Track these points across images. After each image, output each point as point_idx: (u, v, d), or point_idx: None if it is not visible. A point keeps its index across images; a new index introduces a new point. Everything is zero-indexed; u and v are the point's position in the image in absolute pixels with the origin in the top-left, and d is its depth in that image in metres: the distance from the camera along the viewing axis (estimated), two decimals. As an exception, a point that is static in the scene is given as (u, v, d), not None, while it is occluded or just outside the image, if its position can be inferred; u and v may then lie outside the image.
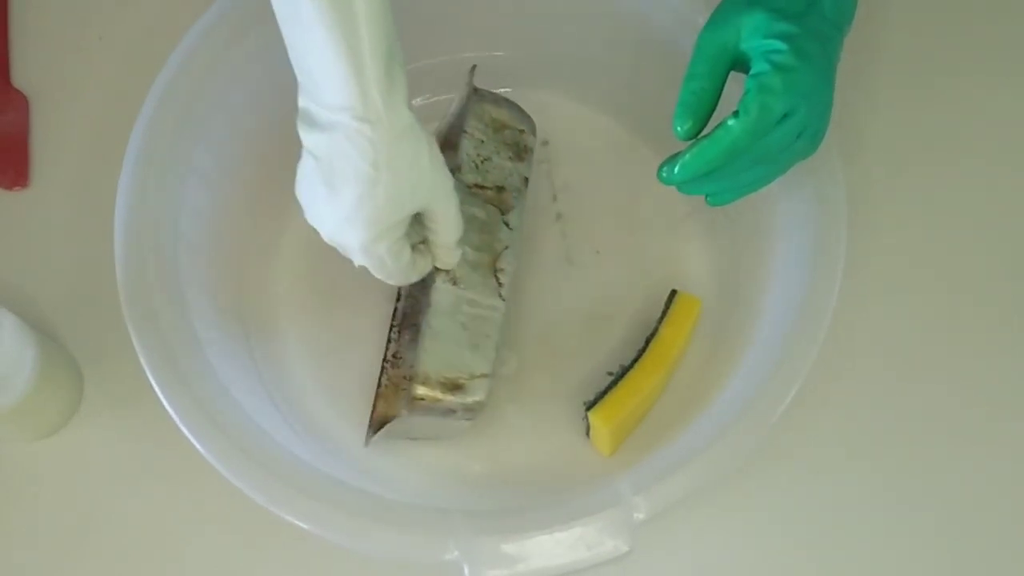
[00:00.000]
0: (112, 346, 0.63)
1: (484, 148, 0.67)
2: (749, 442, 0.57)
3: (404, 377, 0.67)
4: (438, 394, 0.61)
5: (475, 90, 0.68)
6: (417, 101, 0.73)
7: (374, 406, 0.67)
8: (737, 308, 0.67)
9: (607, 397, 0.64)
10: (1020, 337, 0.69)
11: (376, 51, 0.51)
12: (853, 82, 0.68)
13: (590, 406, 0.64)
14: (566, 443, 0.67)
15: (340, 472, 0.60)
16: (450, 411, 0.62)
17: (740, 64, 0.57)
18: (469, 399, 0.62)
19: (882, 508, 0.65)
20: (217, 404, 0.59)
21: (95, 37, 0.77)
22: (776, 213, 0.65)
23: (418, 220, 0.59)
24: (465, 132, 0.67)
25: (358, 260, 0.58)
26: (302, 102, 0.55)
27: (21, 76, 0.76)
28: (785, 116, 0.55)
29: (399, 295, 0.70)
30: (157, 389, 0.58)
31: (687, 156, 0.56)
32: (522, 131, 0.69)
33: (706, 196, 0.59)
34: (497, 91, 0.70)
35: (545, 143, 0.75)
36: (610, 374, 0.65)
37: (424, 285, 0.64)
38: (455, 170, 0.64)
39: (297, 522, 0.55)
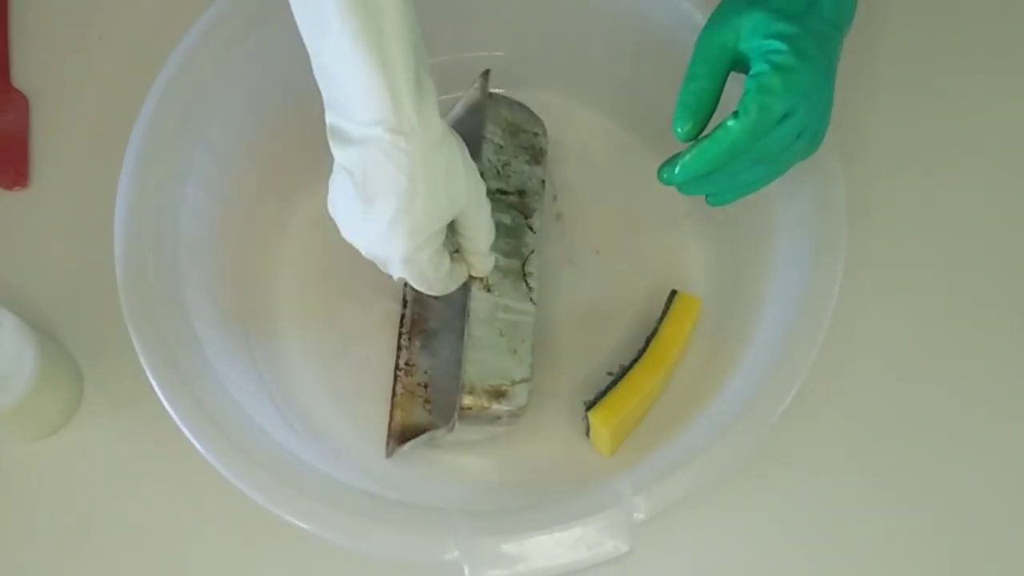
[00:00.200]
0: (112, 346, 0.63)
1: (504, 153, 0.67)
2: (749, 442, 0.57)
3: (419, 384, 0.67)
4: (484, 402, 0.61)
5: (490, 95, 0.67)
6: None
7: (391, 416, 0.67)
8: (737, 308, 0.67)
9: (607, 397, 0.64)
10: (1020, 337, 0.69)
11: (406, 61, 0.51)
12: (853, 82, 0.68)
13: (590, 406, 0.64)
14: (566, 443, 0.67)
15: (340, 472, 0.60)
16: (496, 418, 0.61)
17: (740, 64, 0.57)
18: (513, 405, 0.61)
19: (882, 508, 0.65)
20: (217, 404, 0.59)
21: (95, 37, 0.77)
22: (776, 213, 0.65)
23: (451, 228, 0.58)
24: (484, 138, 0.66)
25: (398, 273, 0.57)
26: (330, 118, 0.54)
27: (21, 76, 0.76)
28: (785, 116, 0.55)
29: (405, 301, 0.70)
30: (157, 389, 0.58)
31: (687, 157, 0.56)
32: (536, 133, 0.69)
33: (706, 196, 0.59)
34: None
35: (545, 143, 0.75)
36: (610, 374, 0.65)
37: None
38: None
39: (297, 522, 0.55)
